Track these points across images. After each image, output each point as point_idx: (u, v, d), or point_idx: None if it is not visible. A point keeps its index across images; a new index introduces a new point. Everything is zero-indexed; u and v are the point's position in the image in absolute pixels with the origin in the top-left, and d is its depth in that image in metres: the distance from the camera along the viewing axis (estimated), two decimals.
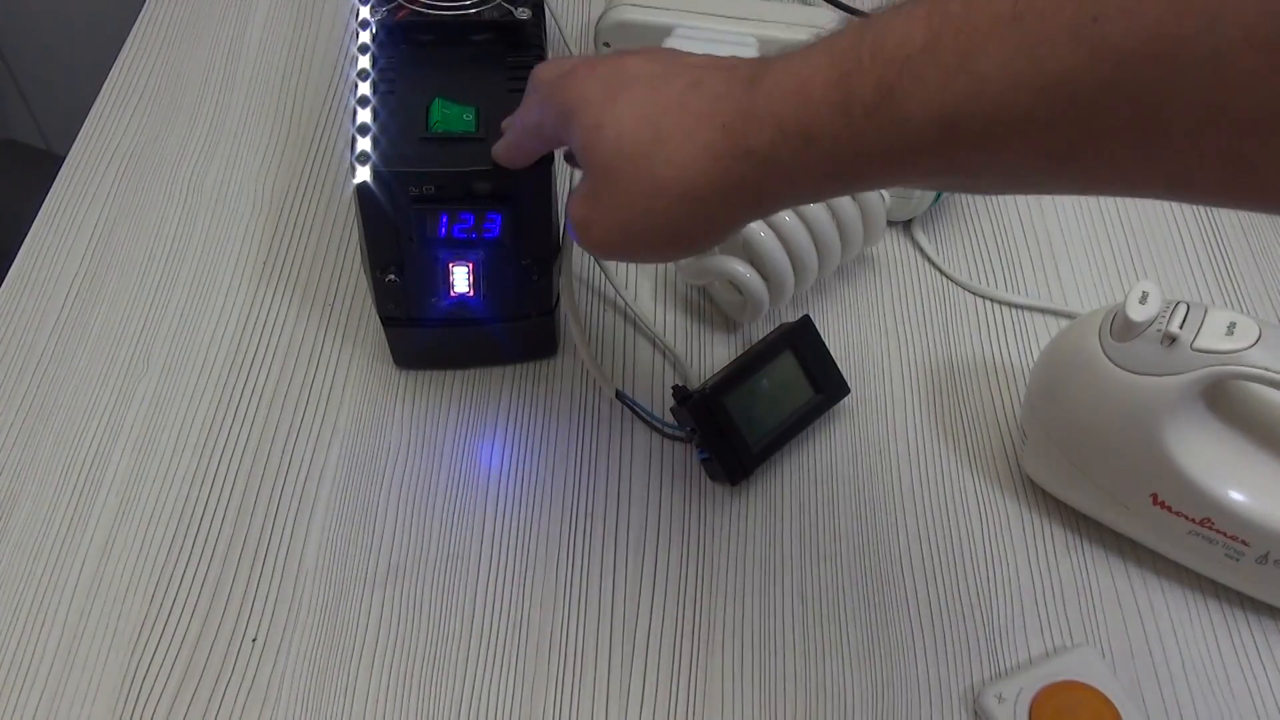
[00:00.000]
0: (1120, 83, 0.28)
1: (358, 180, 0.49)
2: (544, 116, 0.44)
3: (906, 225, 0.68)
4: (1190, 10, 0.26)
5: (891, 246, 0.67)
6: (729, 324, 0.63)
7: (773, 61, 0.37)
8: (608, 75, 0.41)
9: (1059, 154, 0.31)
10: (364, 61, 0.52)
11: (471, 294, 0.54)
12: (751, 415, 0.54)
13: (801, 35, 0.70)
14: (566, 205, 0.43)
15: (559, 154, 0.51)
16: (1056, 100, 0.30)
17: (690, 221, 0.39)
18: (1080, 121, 0.30)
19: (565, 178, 0.56)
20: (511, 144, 0.48)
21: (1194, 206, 0.70)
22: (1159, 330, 0.47)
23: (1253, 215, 0.70)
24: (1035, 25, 0.29)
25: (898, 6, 0.34)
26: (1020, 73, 0.30)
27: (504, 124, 0.49)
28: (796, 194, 0.39)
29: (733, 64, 0.39)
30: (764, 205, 0.40)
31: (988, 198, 0.70)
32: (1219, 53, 0.26)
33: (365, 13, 0.53)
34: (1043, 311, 0.64)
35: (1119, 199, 0.70)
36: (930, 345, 0.62)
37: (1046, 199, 0.70)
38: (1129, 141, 0.29)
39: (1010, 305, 0.64)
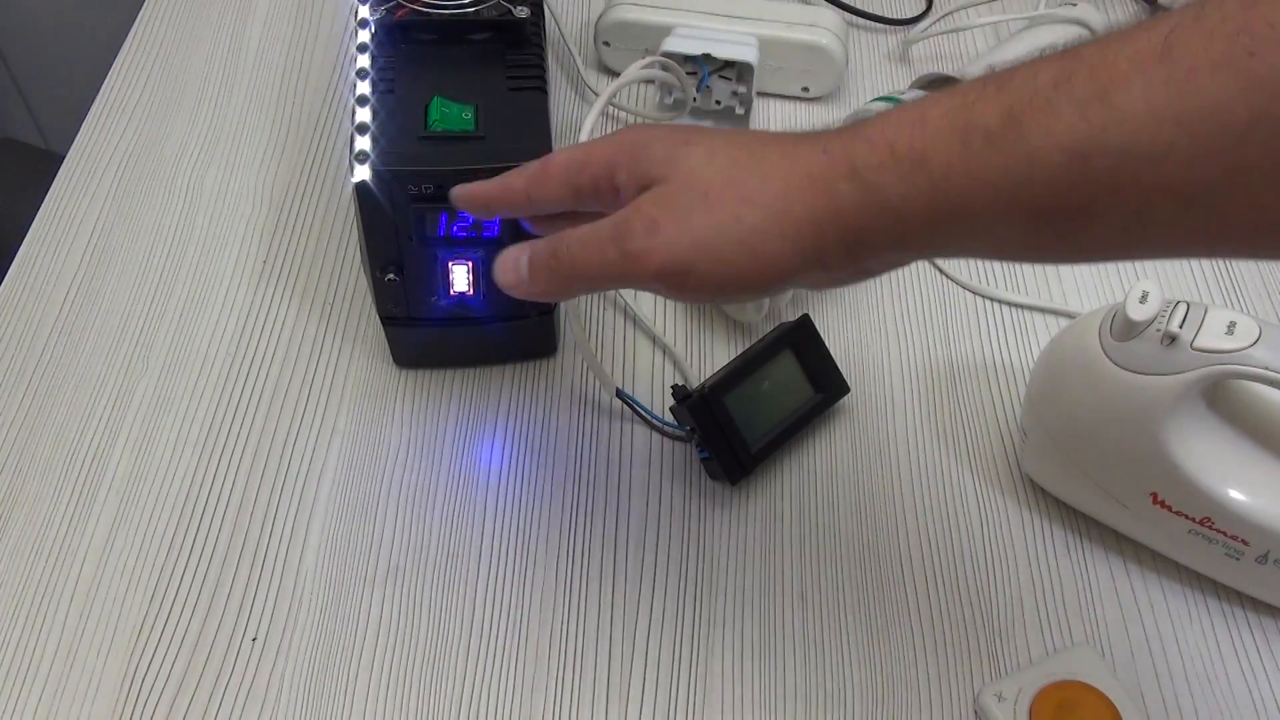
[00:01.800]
0: (1275, 115, 0.28)
1: (357, 179, 0.49)
2: (600, 153, 0.42)
3: None
4: None
5: None
6: (729, 324, 0.63)
7: (873, 117, 0.36)
8: (685, 131, 0.41)
9: (1190, 195, 0.30)
10: (363, 61, 0.52)
11: (471, 293, 0.54)
12: (751, 415, 0.54)
13: (803, 35, 0.70)
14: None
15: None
16: (1201, 133, 0.29)
17: (773, 243, 0.37)
18: (1225, 153, 0.29)
19: None
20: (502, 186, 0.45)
21: None
22: (1159, 330, 0.47)
23: None
24: (1185, 59, 0.29)
25: (1019, 62, 0.33)
26: (1162, 105, 0.29)
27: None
28: (888, 235, 0.36)
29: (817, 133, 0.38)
30: (849, 249, 0.37)
31: None
32: None
33: (364, 12, 0.53)
34: (1043, 311, 0.64)
35: None
36: (930, 345, 0.62)
37: None
38: (1277, 178, 0.29)
39: (1010, 305, 0.64)
